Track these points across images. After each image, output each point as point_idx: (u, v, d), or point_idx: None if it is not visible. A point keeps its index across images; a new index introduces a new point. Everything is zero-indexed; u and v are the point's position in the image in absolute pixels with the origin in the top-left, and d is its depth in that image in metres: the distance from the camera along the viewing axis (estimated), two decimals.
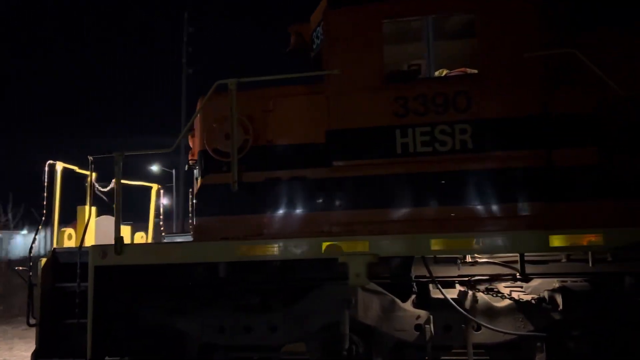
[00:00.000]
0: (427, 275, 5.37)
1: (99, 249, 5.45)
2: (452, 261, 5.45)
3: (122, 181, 5.72)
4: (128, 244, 5.58)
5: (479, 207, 5.16)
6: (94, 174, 6.34)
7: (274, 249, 5.15)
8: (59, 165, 5.95)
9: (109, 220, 6.77)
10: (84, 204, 6.37)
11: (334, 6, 5.55)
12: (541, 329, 5.16)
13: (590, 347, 5.06)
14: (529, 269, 5.39)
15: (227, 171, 5.64)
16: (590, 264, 5.18)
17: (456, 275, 5.46)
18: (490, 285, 5.38)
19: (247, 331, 5.51)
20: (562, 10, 5.37)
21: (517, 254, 5.31)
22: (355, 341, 5.40)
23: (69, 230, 6.09)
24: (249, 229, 5.52)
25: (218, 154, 5.77)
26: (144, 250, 5.58)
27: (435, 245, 4.97)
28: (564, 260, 5.37)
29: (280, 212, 5.53)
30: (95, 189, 6.52)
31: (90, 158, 6.18)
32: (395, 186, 5.28)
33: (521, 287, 5.38)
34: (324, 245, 5.09)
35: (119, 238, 5.41)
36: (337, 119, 5.43)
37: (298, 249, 5.11)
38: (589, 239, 4.86)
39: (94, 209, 6.44)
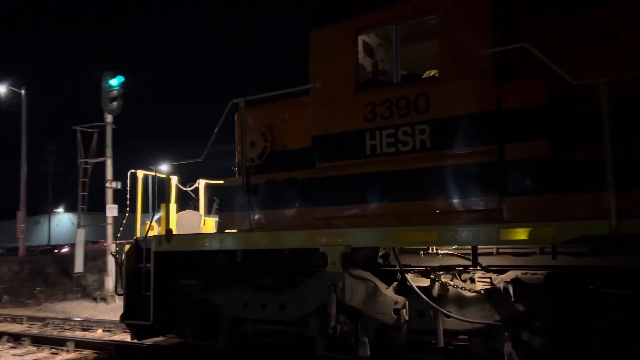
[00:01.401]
0: (413, 264, 5.89)
1: (157, 238, 7.04)
2: (433, 252, 5.86)
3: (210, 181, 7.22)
4: (175, 235, 7.06)
5: (438, 203, 5.47)
6: (175, 177, 8.00)
7: (271, 240, 6.18)
8: (140, 173, 7.68)
9: (191, 214, 8.40)
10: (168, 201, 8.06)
11: (313, 25, 6.26)
12: (506, 318, 5.31)
13: (542, 339, 5.09)
14: (503, 260, 5.55)
15: (253, 174, 6.80)
16: (552, 257, 5.17)
17: (428, 265, 5.84)
18: (458, 274, 5.65)
19: (263, 308, 6.61)
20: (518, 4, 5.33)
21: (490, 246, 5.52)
22: (341, 321, 6.13)
23: (152, 223, 7.81)
24: (270, 222, 6.60)
25: (245, 158, 6.92)
26: (183, 239, 7.00)
27: (398, 238, 5.49)
28: (538, 253, 5.40)
29: (281, 208, 6.49)
30: (180, 188, 8.19)
31: (173, 163, 7.83)
32: (366, 184, 5.85)
33: (490, 278, 5.55)
34: (309, 237, 5.95)
35: (168, 230, 6.92)
36: (318, 125, 6.19)
37: (290, 240, 6.08)
38: (539, 232, 4.92)
39: (175, 205, 8.10)
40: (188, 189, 8.19)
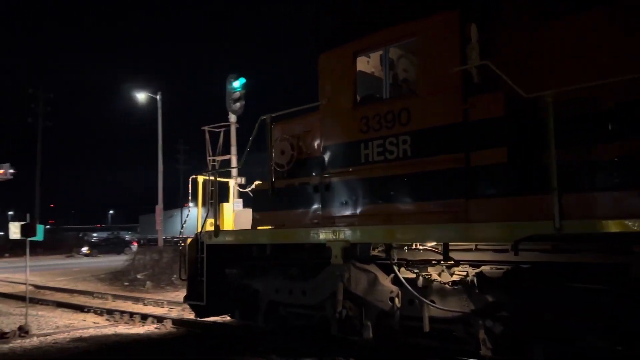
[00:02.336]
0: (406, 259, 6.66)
1: (208, 233, 8.39)
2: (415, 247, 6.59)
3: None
4: (221, 230, 8.36)
5: (417, 205, 6.19)
6: (233, 180, 9.32)
7: (289, 236, 7.26)
8: (200, 178, 9.07)
9: (246, 212, 9.67)
10: (227, 201, 9.43)
11: (321, 50, 7.18)
12: (478, 308, 5.92)
13: (502, 327, 5.65)
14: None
15: (283, 178, 7.92)
16: (514, 254, 5.67)
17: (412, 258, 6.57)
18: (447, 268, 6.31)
19: (290, 293, 7.69)
20: (482, 24, 5.84)
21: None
22: (347, 306, 7.03)
23: (210, 220, 9.18)
24: (290, 221, 7.68)
25: (278, 165, 8.04)
26: (226, 234, 8.26)
27: (386, 235, 6.32)
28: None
29: (298, 208, 7.52)
30: (238, 189, 9.50)
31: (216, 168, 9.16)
32: (361, 189, 6.69)
33: (466, 272, 6.15)
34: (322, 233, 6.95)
35: (217, 226, 8.25)
36: (325, 137, 7.12)
37: (304, 236, 7.12)
38: (496, 231, 5.53)
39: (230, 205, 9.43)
40: (247, 190, 9.45)
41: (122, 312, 11.50)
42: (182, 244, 9.20)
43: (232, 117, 17.68)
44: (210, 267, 8.39)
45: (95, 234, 72.31)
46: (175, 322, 10.29)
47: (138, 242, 51.21)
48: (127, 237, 58.96)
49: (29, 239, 10.43)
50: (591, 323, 5.24)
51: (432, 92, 6.11)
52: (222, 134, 19.10)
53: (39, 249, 50.28)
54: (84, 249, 50.06)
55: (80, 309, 12.72)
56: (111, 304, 13.67)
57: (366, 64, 7.42)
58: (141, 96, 31.58)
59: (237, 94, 17.04)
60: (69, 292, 16.92)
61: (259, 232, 7.86)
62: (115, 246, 50.51)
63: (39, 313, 12.24)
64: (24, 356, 7.85)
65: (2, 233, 61.92)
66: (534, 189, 5.35)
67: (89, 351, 8.28)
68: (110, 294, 15.59)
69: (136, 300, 14.34)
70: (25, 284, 11.66)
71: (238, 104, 17.11)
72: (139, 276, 20.10)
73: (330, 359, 7.11)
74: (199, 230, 8.73)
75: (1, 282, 20.22)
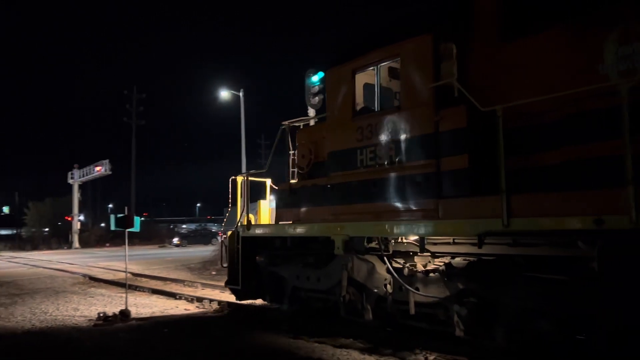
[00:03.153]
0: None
1: (242, 227, 9.68)
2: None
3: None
4: (252, 224, 9.61)
5: (399, 203, 7.11)
6: (269, 180, 10.57)
7: (303, 230, 8.39)
8: (240, 178, 10.36)
9: None
10: (264, 199, 10.69)
11: (327, 67, 8.21)
12: (452, 294, 6.77)
13: (466, 310, 6.48)
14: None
15: (303, 179, 9.06)
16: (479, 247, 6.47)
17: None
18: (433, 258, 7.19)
19: (307, 279, 8.83)
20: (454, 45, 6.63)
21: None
22: (350, 292, 8.07)
23: (250, 216, 10.46)
24: (304, 217, 8.80)
25: (299, 167, 9.19)
26: (256, 228, 9.51)
27: (375, 230, 7.31)
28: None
29: (311, 206, 8.62)
30: (271, 188, 10.74)
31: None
32: (356, 189, 7.68)
33: (443, 262, 6.99)
34: (326, 227, 8.03)
35: (248, 221, 9.53)
36: (330, 144, 8.16)
37: (314, 230, 8.23)
38: (459, 227, 6.39)
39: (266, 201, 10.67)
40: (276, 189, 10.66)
41: (211, 300, 12.00)
42: (224, 237, 10.56)
43: (311, 112, 17.69)
44: (245, 257, 9.70)
45: (184, 226, 76.86)
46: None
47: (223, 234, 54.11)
48: (214, 229, 62.18)
49: (127, 230, 11.14)
50: (540, 309, 5.99)
51: (412, 105, 7.01)
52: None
53: (135, 240, 54.42)
54: (175, 240, 53.48)
55: (173, 296, 13.44)
56: (200, 292, 14.19)
57: (373, 76, 8.36)
58: (225, 94, 33.52)
59: (316, 88, 17.06)
60: (163, 279, 17.88)
61: (279, 226, 9.07)
62: (203, 237, 53.62)
63: (137, 299, 12.98)
64: (126, 339, 8.35)
65: (103, 224, 67.39)
66: (489, 190, 6.12)
67: (182, 336, 8.69)
68: (200, 282, 16.26)
69: (223, 288, 14.65)
70: (124, 271, 12.64)
71: (317, 98, 17.07)
72: (224, 265, 21.57)
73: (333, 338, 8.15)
74: (238, 224, 10.05)
75: (103, 270, 21.95)
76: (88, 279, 18.65)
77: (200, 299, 12.40)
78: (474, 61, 6.86)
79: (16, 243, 55.64)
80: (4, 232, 69.31)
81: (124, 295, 11.57)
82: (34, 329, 9.38)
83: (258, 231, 9.45)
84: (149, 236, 58.99)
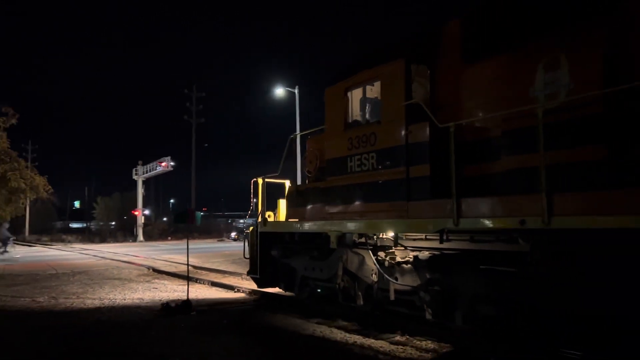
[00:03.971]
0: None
1: (260, 223, 11.06)
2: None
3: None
4: (269, 221, 10.96)
5: (379, 204, 8.26)
6: (288, 181, 11.90)
7: (306, 227, 9.67)
8: (260, 180, 11.73)
9: None
10: (283, 198, 12.01)
11: (326, 86, 9.43)
12: (422, 283, 7.88)
13: (429, 296, 7.58)
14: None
15: (310, 182, 10.33)
16: (440, 243, 7.56)
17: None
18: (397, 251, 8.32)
19: (313, 270, 10.10)
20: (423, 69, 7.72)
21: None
22: (345, 280, 9.29)
23: (269, 213, 11.80)
24: (308, 216, 10.07)
25: (308, 171, 10.46)
26: (270, 224, 10.85)
27: (360, 227, 8.50)
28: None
29: (313, 206, 9.87)
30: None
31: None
32: (348, 192, 8.86)
33: (415, 256, 8.08)
34: (322, 225, 9.28)
35: (264, 218, 10.89)
36: (327, 152, 9.38)
37: (314, 227, 9.49)
38: (422, 225, 7.51)
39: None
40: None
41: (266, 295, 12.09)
42: (246, 232, 11.99)
43: None
44: (262, 249, 11.08)
45: (242, 221, 79.58)
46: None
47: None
48: None
49: (188, 224, 11.73)
50: (487, 295, 7.04)
51: (389, 120, 8.13)
52: None
53: (195, 233, 57.18)
54: (233, 234, 55.31)
55: (231, 288, 13.85)
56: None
57: (370, 90, 9.49)
58: (280, 91, 34.93)
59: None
60: (221, 272, 18.24)
61: (288, 223, 10.39)
62: None
63: (197, 291, 13.50)
64: (187, 329, 8.84)
65: (165, 219, 70.99)
66: (445, 194, 7.18)
67: (239, 329, 9.01)
68: None
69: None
70: (186, 264, 13.13)
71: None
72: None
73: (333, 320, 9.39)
74: (258, 221, 11.44)
75: (166, 262, 22.93)
76: (152, 270, 19.55)
77: (256, 292, 12.67)
78: (442, 82, 7.92)
79: (86, 236, 58.99)
80: (75, 225, 74.25)
81: (185, 286, 12.16)
82: (103, 318, 10.04)
83: (272, 227, 10.80)
84: (208, 230, 61.68)
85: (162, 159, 51.79)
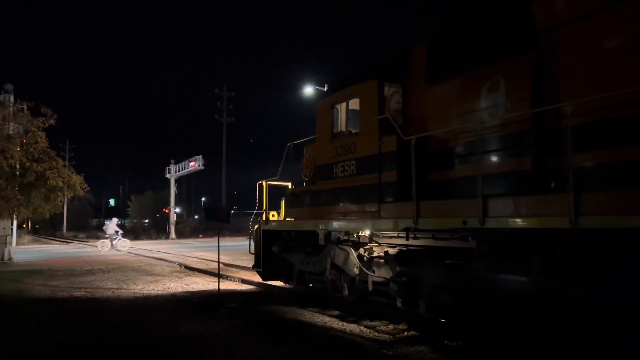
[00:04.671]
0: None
1: (263, 222, 12.28)
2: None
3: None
4: (271, 220, 12.16)
5: (357, 206, 9.36)
6: (289, 183, 13.09)
7: (297, 225, 10.84)
8: (264, 182, 12.93)
9: None
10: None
11: (319, 99, 10.57)
12: (394, 275, 8.95)
13: (397, 286, 8.66)
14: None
15: (306, 185, 11.50)
16: (407, 240, 8.62)
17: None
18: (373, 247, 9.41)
19: (307, 264, 11.27)
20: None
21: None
22: (332, 273, 10.42)
23: (273, 212, 12.99)
24: (301, 215, 11.23)
25: (304, 175, 11.63)
26: (272, 223, 12.05)
27: (343, 226, 9.64)
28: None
29: (304, 207, 11.02)
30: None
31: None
32: (334, 195, 9.99)
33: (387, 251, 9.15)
34: (313, 224, 10.43)
35: (267, 217, 12.10)
36: (317, 159, 10.52)
37: (305, 226, 10.65)
38: (391, 224, 8.59)
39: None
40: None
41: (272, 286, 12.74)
42: (251, 230, 13.23)
43: None
44: (265, 246, 12.31)
45: None
46: None
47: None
48: None
49: (219, 222, 12.29)
50: (445, 285, 8.08)
51: (366, 132, 9.23)
52: None
53: (225, 231, 58.60)
54: None
55: (261, 286, 13.83)
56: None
57: (357, 104, 10.59)
58: (309, 90, 35.90)
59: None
60: (251, 270, 17.69)
61: (285, 222, 11.59)
62: None
63: (228, 288, 13.79)
64: (218, 325, 9.08)
65: (196, 216, 73.02)
66: (408, 198, 8.24)
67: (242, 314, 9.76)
68: None
69: None
70: (217, 262, 13.47)
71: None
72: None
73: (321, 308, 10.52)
74: (262, 219, 12.66)
75: (197, 259, 23.28)
76: (183, 267, 19.89)
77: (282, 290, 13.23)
78: (411, 98, 9.00)
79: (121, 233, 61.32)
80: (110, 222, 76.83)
81: (216, 283, 12.61)
82: (136, 313, 10.43)
83: (272, 226, 12.01)
84: (239, 228, 63.11)
85: (193, 158, 52.49)
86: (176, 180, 58.33)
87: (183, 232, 58.06)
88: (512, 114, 6.92)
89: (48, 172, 21.34)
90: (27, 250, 34.41)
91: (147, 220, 68.23)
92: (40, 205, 23.92)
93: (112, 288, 14.20)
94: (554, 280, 6.29)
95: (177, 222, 58.57)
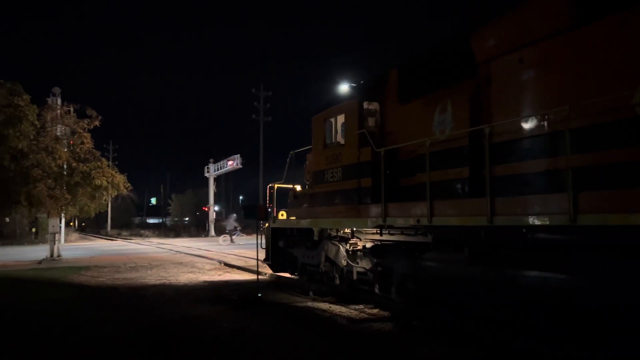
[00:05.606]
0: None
1: (271, 220, 14.00)
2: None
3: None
4: (279, 219, 13.86)
5: (343, 207, 10.95)
6: (299, 186, 14.77)
7: (297, 223, 12.52)
8: (275, 185, 14.63)
9: None
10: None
11: (311, 115, 12.21)
12: (372, 265, 10.51)
13: (372, 274, 10.22)
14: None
15: (307, 188, 13.17)
16: (380, 235, 10.17)
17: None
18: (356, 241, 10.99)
19: (307, 257, 12.92)
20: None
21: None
22: (326, 265, 12.04)
23: (282, 212, 14.66)
24: (301, 214, 12.88)
25: (306, 179, 13.29)
26: (278, 221, 13.75)
27: (330, 224, 11.27)
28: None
29: (303, 207, 12.67)
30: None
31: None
32: (326, 197, 11.61)
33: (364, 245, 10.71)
34: (309, 223, 12.09)
35: (274, 216, 13.82)
36: (312, 166, 12.16)
37: (303, 224, 12.32)
38: (365, 222, 10.16)
39: None
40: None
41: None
42: (262, 227, 14.97)
43: None
44: (274, 241, 14.04)
45: None
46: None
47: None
48: None
49: (257, 220, 13.50)
50: (410, 274, 9.60)
51: (349, 144, 10.83)
52: None
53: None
54: None
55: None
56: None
57: (343, 119, 12.12)
58: (344, 87, 37.34)
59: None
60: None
61: (288, 220, 13.29)
62: None
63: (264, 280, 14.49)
64: (257, 322, 9.38)
65: (235, 215, 75.37)
66: (384, 200, 9.77)
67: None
68: None
69: None
70: (255, 259, 13.90)
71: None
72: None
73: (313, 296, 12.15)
74: (272, 217, 14.38)
75: (236, 257, 23.89)
76: (223, 264, 20.42)
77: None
78: (387, 115, 10.53)
79: (162, 230, 64.00)
80: (152, 220, 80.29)
81: (254, 278, 13.35)
82: (179, 308, 10.82)
83: (278, 223, 13.73)
84: None
85: (231, 157, 53.50)
86: (215, 179, 59.09)
87: (222, 230, 58.00)
88: (453, 132, 8.40)
89: (93, 171, 22.36)
90: (74, 248, 36.08)
91: (187, 219, 70.89)
92: (86, 204, 24.38)
93: (154, 284, 14.77)
94: (478, 267, 7.78)
95: (216, 220, 59.41)
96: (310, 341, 7.98)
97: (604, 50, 6.48)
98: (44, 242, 35.90)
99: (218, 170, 56.46)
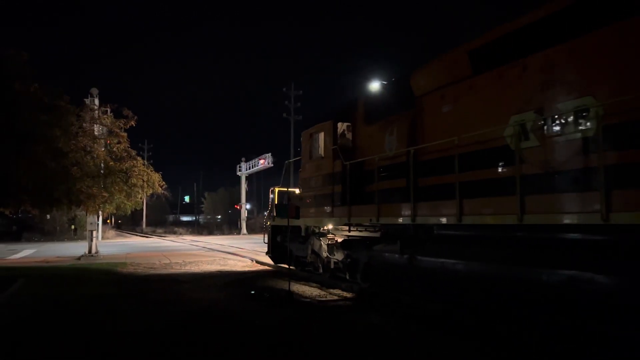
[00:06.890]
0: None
1: (271, 219, 16.46)
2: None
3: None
4: (276, 218, 16.29)
5: (322, 208, 13.31)
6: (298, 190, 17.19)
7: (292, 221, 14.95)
8: (276, 189, 17.06)
9: None
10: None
11: (302, 129, 14.61)
12: (344, 256, 12.84)
13: (342, 264, 12.57)
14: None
15: (300, 192, 15.60)
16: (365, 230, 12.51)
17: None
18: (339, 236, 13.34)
19: (299, 250, 15.33)
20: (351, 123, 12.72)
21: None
22: (312, 257, 14.43)
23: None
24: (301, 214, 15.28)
25: (299, 184, 15.69)
26: (276, 220, 16.19)
27: (312, 222, 13.67)
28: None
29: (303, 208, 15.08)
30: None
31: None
32: (311, 200, 13.98)
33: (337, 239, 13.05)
34: (299, 220, 14.50)
35: (273, 215, 16.28)
36: (303, 173, 14.58)
37: (294, 222, 14.74)
38: (340, 221, 12.50)
39: None
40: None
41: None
42: (265, 225, 17.43)
43: None
44: (274, 237, 16.51)
45: None
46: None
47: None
48: None
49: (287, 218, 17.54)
50: (370, 263, 11.89)
51: (326, 157, 13.19)
52: None
53: None
54: None
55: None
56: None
57: (324, 135, 14.43)
58: (375, 85, 39.17)
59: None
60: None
61: (283, 219, 15.70)
62: None
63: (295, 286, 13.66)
64: (290, 321, 9.45)
65: (266, 213, 77.99)
66: (349, 203, 12.08)
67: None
68: None
69: None
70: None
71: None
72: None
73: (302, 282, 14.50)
74: (272, 217, 16.83)
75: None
76: (255, 262, 20.92)
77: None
78: (357, 134, 12.87)
79: (195, 228, 66.40)
80: (185, 218, 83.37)
81: (286, 280, 13.43)
82: (212, 305, 11.00)
83: (277, 222, 16.19)
84: None
85: (262, 156, 53.85)
86: (247, 178, 60.06)
87: (254, 228, 59.94)
88: (396, 151, 10.69)
89: (129, 170, 22.91)
90: (111, 244, 37.22)
91: (219, 216, 73.47)
92: (123, 201, 24.61)
93: (188, 281, 15.11)
94: (406, 255, 10.08)
95: (247, 218, 61.22)
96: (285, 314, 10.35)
97: (488, 93, 8.70)
98: (82, 238, 37.69)
99: (250, 169, 57.22)
